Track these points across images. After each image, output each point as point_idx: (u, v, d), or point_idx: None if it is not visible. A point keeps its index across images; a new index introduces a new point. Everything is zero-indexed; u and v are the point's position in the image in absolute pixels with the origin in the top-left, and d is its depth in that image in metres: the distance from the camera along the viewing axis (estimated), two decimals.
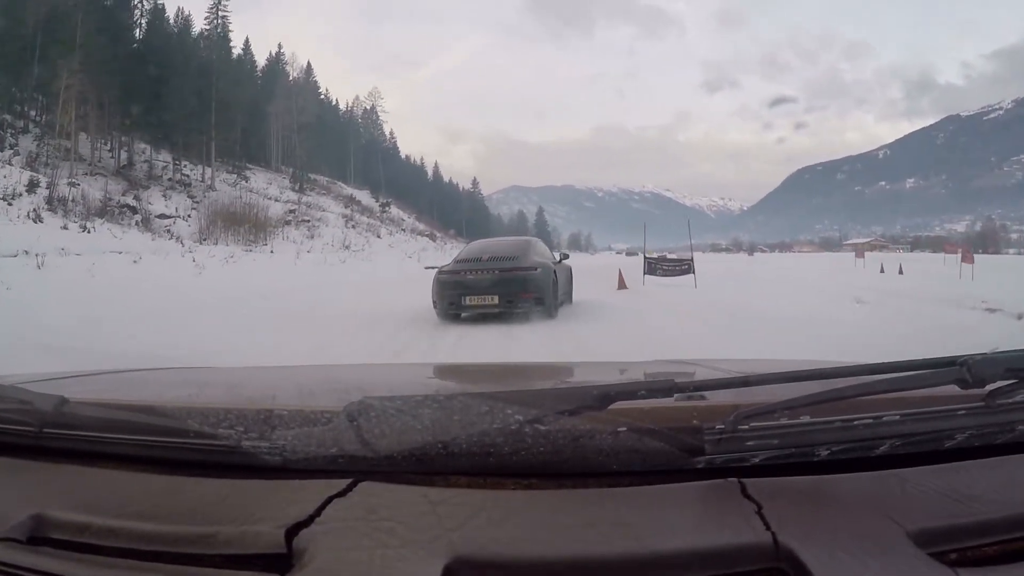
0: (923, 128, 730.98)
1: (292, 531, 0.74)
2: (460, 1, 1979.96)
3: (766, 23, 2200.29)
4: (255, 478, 0.86)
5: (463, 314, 11.20)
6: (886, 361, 0.83)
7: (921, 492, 0.81)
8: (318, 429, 0.85)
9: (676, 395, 0.87)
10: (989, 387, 0.83)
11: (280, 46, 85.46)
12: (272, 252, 40.00)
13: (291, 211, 55.00)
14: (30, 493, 0.88)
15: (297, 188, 65.42)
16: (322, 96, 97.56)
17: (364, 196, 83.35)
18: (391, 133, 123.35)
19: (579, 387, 0.84)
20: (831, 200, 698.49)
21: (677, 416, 0.85)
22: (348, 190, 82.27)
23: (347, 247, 48.39)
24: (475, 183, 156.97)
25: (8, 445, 1.00)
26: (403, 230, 70.90)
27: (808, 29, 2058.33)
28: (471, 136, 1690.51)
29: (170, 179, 53.91)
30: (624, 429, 0.82)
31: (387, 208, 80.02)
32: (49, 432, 0.96)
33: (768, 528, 0.72)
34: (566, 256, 13.70)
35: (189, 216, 44.19)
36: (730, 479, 0.81)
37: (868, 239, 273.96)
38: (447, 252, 60.23)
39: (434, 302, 11.32)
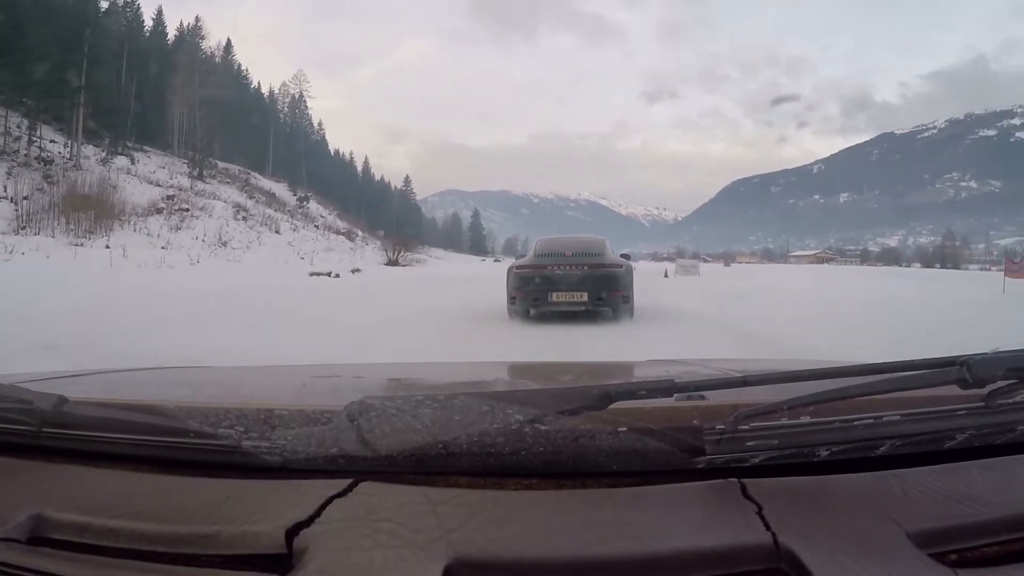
0: (858, 144, 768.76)
1: (292, 531, 0.75)
2: (405, 2, 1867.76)
3: (708, 36, 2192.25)
4: (255, 478, 0.87)
5: (534, 311, 11.01)
6: (886, 361, 0.84)
7: (921, 492, 0.82)
8: (318, 429, 0.86)
9: (676, 395, 0.88)
10: (989, 387, 0.85)
11: (197, 19, 75.91)
12: (108, 247, 32.55)
13: (168, 198, 45.09)
14: (29, 493, 0.89)
15: (196, 175, 55.34)
16: (248, 82, 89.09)
17: (281, 189, 76.00)
18: (320, 124, 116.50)
19: (579, 387, 0.84)
20: (766, 212, 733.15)
21: (677, 416, 0.87)
22: (265, 182, 74.53)
23: (223, 243, 39.25)
24: (407, 181, 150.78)
25: (7, 445, 1.02)
26: (316, 227, 61.92)
27: (750, 43, 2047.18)
28: (410, 137, 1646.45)
29: (26, 154, 43.37)
30: (624, 429, 0.83)
31: (305, 203, 71.51)
32: (48, 432, 0.97)
33: (768, 528, 0.74)
34: (628, 256, 12.67)
35: (26, 199, 34.15)
36: (730, 479, 0.83)
37: (815, 251, 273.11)
38: (365, 253, 52.65)
39: (512, 298, 11.05)
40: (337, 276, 32.05)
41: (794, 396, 0.82)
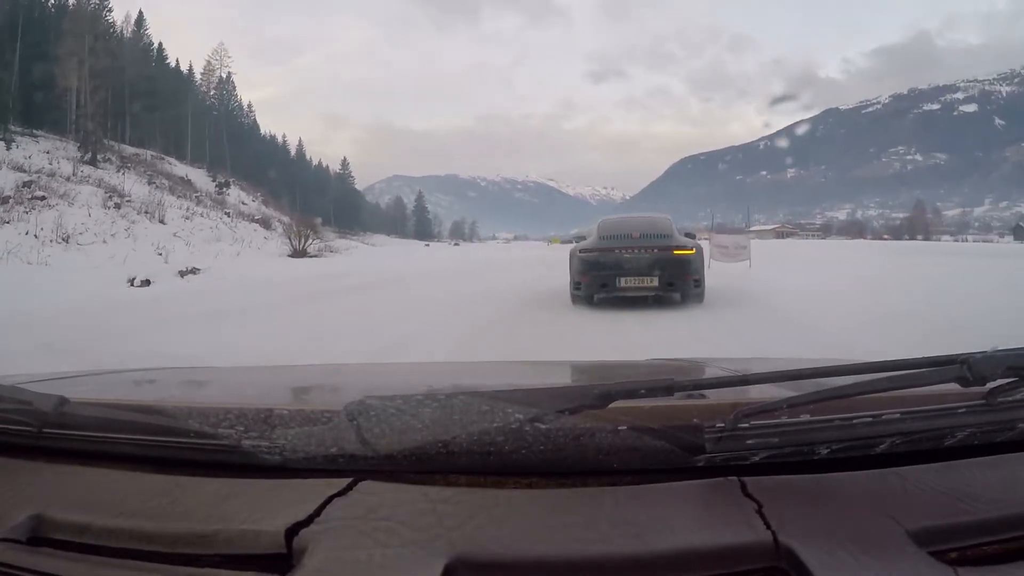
0: (803, 120, 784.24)
1: (292, 531, 0.76)
2: None
3: (652, 15, 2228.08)
4: (255, 478, 0.89)
5: (598, 296, 10.82)
6: (886, 359, 0.86)
7: (921, 491, 0.84)
8: (318, 428, 0.88)
9: (676, 393, 0.91)
10: (990, 385, 0.87)
11: None
12: None
13: (25, 184, 37.47)
14: (30, 493, 0.91)
15: (86, 159, 47.39)
16: (168, 62, 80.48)
17: (199, 175, 69.23)
18: (250, 107, 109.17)
19: (579, 386, 0.88)
20: (713, 188, 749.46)
21: (677, 415, 0.89)
22: (181, 168, 67.01)
23: (63, 238, 31.60)
24: (345, 165, 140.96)
25: (8, 445, 1.04)
26: (226, 214, 54.06)
27: (695, 21, 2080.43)
28: (353, 124, 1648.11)
29: None
30: (624, 428, 0.84)
31: (225, 189, 63.67)
32: (49, 432, 0.99)
33: (768, 527, 0.75)
34: (692, 236, 12.32)
35: None
36: (730, 478, 0.85)
37: (774, 225, 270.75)
38: (270, 245, 43.52)
39: (576, 284, 10.85)
40: (146, 284, 20.17)
41: (794, 394, 0.84)
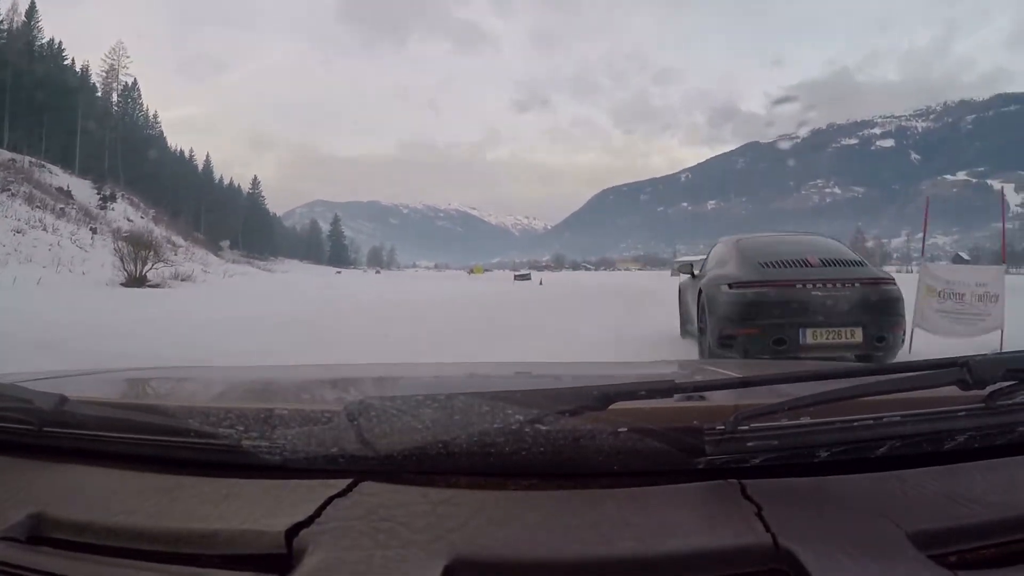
0: (725, 153, 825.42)
1: (292, 531, 0.77)
2: (273, 5, 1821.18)
3: (580, 46, 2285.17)
4: (255, 478, 0.90)
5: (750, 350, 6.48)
6: (887, 363, 0.88)
7: (921, 493, 0.85)
8: (318, 428, 0.89)
9: (676, 395, 0.93)
10: (989, 388, 0.88)
11: None
12: None
13: None
14: (29, 492, 0.92)
15: None
16: (67, 64, 72.40)
17: (83, 186, 64.77)
18: (155, 116, 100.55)
19: (580, 387, 0.88)
20: (635, 219, 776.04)
21: (677, 416, 0.91)
22: (63, 177, 61.78)
23: None
24: (255, 183, 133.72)
25: (8, 444, 1.05)
26: (92, 230, 47.95)
27: (622, 53, 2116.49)
28: (279, 147, 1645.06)
29: None
30: (625, 429, 0.86)
31: (109, 203, 57.19)
32: (49, 431, 1.00)
33: (768, 529, 0.76)
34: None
35: None
36: (730, 480, 0.87)
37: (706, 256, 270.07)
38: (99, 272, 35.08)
39: (722, 337, 6.54)
40: None
41: (794, 397, 0.86)
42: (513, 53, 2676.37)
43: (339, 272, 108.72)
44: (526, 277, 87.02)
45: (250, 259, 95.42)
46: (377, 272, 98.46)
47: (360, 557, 0.71)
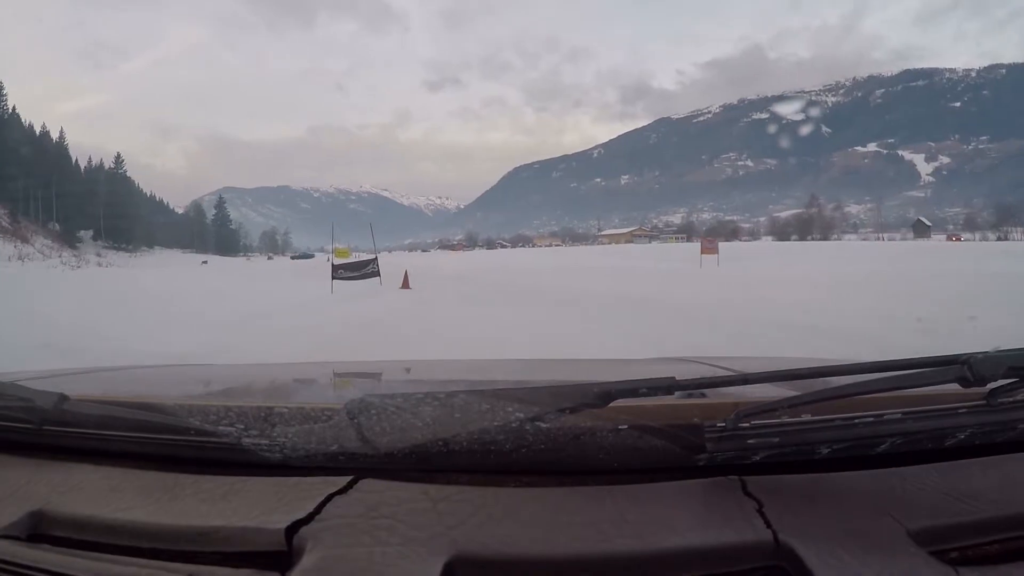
0: (636, 129, 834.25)
1: (292, 528, 0.77)
2: None
3: (491, 24, 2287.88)
4: (255, 475, 0.90)
5: None
6: (888, 359, 0.88)
7: (922, 490, 0.86)
8: (318, 426, 0.89)
9: (677, 393, 0.94)
10: (990, 386, 0.89)
11: None
12: None
13: None
14: (30, 490, 0.92)
15: None
16: None
17: None
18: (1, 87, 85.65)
19: (580, 385, 0.88)
20: (548, 196, 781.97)
21: (678, 414, 0.92)
22: None
23: None
24: (118, 160, 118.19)
25: (8, 442, 1.07)
26: None
27: (533, 31, 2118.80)
28: (185, 135, 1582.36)
29: None
30: (625, 427, 0.86)
31: None
32: (49, 429, 1.01)
33: (769, 526, 0.77)
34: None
35: None
36: (731, 477, 0.88)
37: (629, 229, 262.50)
38: None
39: None
40: None
41: (795, 394, 0.87)
42: (424, 32, 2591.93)
43: (205, 262, 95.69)
44: (308, 256, 71.70)
45: (118, 250, 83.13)
46: (204, 263, 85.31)
47: (360, 554, 0.72)
